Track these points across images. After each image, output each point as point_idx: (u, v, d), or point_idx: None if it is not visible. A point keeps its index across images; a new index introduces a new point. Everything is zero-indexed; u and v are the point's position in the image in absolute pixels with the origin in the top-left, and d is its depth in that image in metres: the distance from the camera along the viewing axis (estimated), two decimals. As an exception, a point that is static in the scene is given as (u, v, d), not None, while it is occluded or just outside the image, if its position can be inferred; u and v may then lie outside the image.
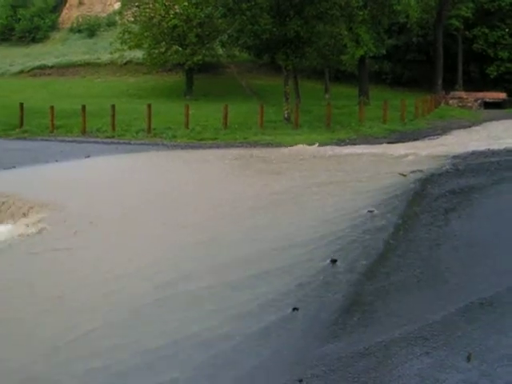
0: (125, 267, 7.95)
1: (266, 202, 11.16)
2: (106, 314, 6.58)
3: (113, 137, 22.52)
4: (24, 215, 10.64)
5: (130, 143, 21.09)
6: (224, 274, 7.50)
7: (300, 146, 19.44)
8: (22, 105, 25.26)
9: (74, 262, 8.49)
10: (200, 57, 33.04)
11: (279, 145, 20.39)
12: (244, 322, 6.22)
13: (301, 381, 5.08)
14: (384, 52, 33.36)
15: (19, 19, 47.18)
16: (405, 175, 12.53)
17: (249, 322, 6.19)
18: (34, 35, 47.20)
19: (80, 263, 8.37)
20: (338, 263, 7.47)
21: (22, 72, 41.58)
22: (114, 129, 23.44)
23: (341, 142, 21.11)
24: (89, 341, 6.00)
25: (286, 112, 25.75)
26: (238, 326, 6.11)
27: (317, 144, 19.64)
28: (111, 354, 5.67)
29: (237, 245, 8.68)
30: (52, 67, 41.57)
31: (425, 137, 23.22)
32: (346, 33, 29.07)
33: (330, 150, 18.60)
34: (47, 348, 5.91)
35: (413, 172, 12.79)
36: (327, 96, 33.79)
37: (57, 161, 16.72)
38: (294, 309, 6.42)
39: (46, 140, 22.15)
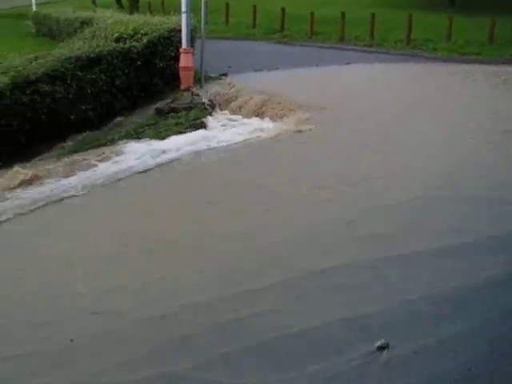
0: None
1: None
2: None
3: (371, 45, 22.06)
4: (290, 114, 10.95)
5: (388, 53, 20.52)
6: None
7: None
8: (283, 10, 25.78)
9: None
10: (466, -36, 30.84)
11: (552, 65, 18.51)
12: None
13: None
14: None
15: None
16: None
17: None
18: None
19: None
20: None
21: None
22: (372, 37, 22.99)
23: None
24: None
25: None
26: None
27: None
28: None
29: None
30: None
31: None
32: None
33: None
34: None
35: None
36: None
37: (317, 65, 16.88)
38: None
39: (305, 45, 22.42)
